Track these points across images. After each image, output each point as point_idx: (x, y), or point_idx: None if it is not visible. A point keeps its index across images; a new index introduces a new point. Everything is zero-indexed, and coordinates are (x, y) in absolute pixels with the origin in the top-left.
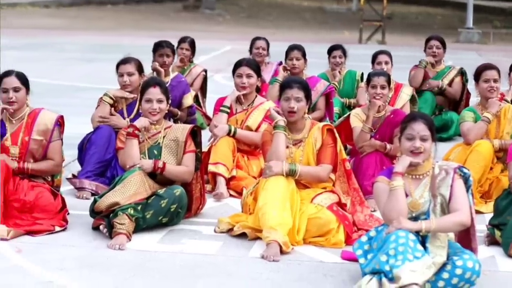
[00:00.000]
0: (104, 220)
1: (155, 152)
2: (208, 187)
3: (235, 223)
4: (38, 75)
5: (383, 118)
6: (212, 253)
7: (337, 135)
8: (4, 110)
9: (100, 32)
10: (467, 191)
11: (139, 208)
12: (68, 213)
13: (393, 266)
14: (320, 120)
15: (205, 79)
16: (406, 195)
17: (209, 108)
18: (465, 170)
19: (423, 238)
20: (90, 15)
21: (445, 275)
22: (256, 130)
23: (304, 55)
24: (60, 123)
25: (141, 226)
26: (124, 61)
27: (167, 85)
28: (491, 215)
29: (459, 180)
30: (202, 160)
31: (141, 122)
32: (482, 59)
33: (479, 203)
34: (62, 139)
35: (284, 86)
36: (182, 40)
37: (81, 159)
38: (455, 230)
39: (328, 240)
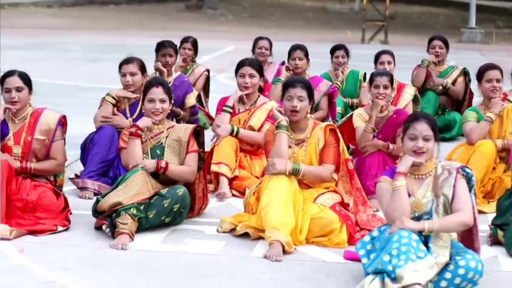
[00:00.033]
0: (106, 220)
1: (158, 152)
2: (211, 187)
3: (238, 223)
4: (41, 75)
5: (386, 118)
6: (214, 253)
7: (339, 135)
8: (7, 110)
9: (103, 32)
10: (470, 191)
11: (141, 208)
12: (71, 213)
13: (395, 266)
14: (323, 120)
15: (207, 79)
16: (409, 195)
17: (211, 108)
18: (467, 170)
19: (425, 238)
20: (93, 15)
21: (448, 275)
22: (259, 130)
23: (306, 55)
24: (62, 122)
25: (144, 226)
26: (127, 61)
27: (170, 85)
28: (494, 215)
29: (462, 180)
30: (204, 160)
31: (144, 122)
32: (485, 59)
33: (481, 203)
34: (64, 139)
35: (287, 85)
36: (184, 40)
37: (83, 159)
38: (458, 230)
39: (330, 240)
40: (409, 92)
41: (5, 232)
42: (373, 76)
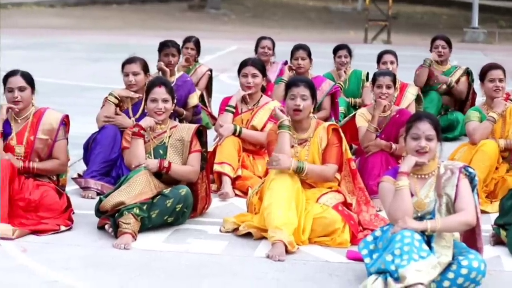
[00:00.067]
0: (109, 220)
1: (161, 151)
2: (214, 186)
3: (241, 223)
4: (44, 74)
5: (388, 118)
6: (217, 252)
7: (342, 134)
8: (10, 110)
9: (105, 32)
10: (473, 190)
11: (144, 207)
12: (74, 213)
13: (398, 266)
14: (326, 119)
15: (210, 79)
16: (412, 195)
17: (214, 108)
18: (470, 170)
19: (428, 238)
20: (96, 14)
21: (451, 275)
22: (262, 129)
23: (309, 54)
24: (65, 122)
25: (147, 225)
26: (130, 61)
27: (172, 84)
28: (497, 215)
29: (465, 179)
30: (207, 159)
31: (146, 122)
32: (488, 58)
33: (484, 203)
34: (67, 139)
35: (290, 85)
36: (187, 40)
37: (86, 158)
38: (461, 230)
39: (333, 240)
40: (412, 92)
41: (7, 232)
42: (375, 76)
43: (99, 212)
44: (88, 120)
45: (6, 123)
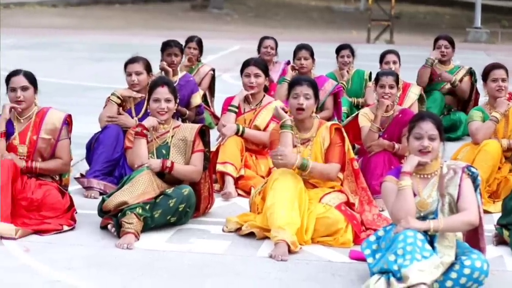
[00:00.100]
0: (112, 220)
1: (164, 151)
2: (217, 186)
3: (243, 223)
4: (46, 74)
5: (391, 118)
6: (220, 252)
7: (345, 134)
8: (12, 109)
9: (108, 32)
10: (475, 190)
11: (147, 207)
12: (76, 212)
13: (401, 266)
14: (328, 119)
15: (213, 78)
16: (414, 195)
17: (217, 108)
18: (473, 170)
19: (431, 238)
20: (98, 14)
21: (453, 274)
22: (264, 129)
23: (312, 54)
24: (68, 122)
25: (149, 225)
26: (132, 61)
27: (175, 84)
28: (499, 215)
29: (467, 179)
30: (210, 159)
31: (149, 122)
32: (490, 58)
33: (487, 203)
34: (70, 138)
35: (293, 84)
36: (189, 40)
37: (89, 158)
38: (463, 230)
39: (336, 240)
40: (415, 91)
41: (10, 232)
42: (378, 76)
43: (102, 212)
44: (90, 120)
45: (9, 122)
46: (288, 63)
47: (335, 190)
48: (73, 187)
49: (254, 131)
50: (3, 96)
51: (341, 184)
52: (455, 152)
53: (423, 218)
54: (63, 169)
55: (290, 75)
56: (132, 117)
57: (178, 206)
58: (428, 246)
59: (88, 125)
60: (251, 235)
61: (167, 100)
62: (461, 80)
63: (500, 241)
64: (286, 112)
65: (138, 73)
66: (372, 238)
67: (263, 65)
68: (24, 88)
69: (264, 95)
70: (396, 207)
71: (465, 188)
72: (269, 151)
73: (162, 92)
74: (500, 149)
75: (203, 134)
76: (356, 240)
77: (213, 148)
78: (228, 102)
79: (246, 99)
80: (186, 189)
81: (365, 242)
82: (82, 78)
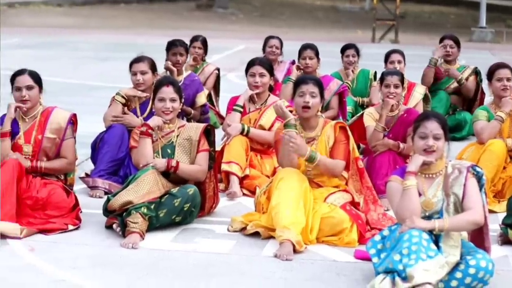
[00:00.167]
0: (117, 219)
1: (169, 151)
2: (221, 186)
3: (248, 222)
4: (52, 73)
5: (396, 117)
6: (225, 252)
7: (349, 132)
8: (17, 109)
9: (113, 31)
10: (480, 190)
11: (152, 207)
12: (81, 212)
13: (406, 265)
14: (333, 119)
15: (218, 78)
16: (419, 194)
17: (222, 107)
18: (478, 169)
19: (436, 237)
20: (104, 13)
21: (459, 274)
22: (269, 129)
23: (317, 54)
24: (73, 121)
25: (154, 225)
26: (138, 60)
27: (180, 84)
28: (504, 214)
29: (472, 179)
30: (215, 159)
31: (154, 121)
32: (495, 58)
33: (492, 203)
34: (75, 138)
35: (299, 82)
36: (194, 39)
37: (94, 158)
38: (469, 229)
39: (341, 239)
40: (419, 91)
41: (15, 231)
42: (383, 75)
43: (107, 211)
44: (95, 119)
45: (14, 122)
46: (293, 62)
47: (340, 189)
48: (78, 187)
49: (259, 130)
50: (3, 95)
51: (346, 184)
52: (460, 152)
53: (428, 217)
54: (68, 168)
55: (295, 74)
56: (137, 117)
57: (183, 206)
58: (433, 246)
59: (93, 124)
60: (256, 234)
61: (172, 100)
62: (466, 80)
63: (505, 240)
64: (291, 112)
65: (143, 73)
66: (377, 237)
67: (268, 64)
68: (29, 88)
69: (269, 95)
70: (401, 207)
71: (470, 187)
72: (274, 151)
73: (167, 91)
74: (505, 149)
75: (208, 133)
76: (361, 239)
77: (218, 147)
78: (233, 101)
79: (251, 99)
80: (191, 189)
81: (370, 241)
82: (87, 78)
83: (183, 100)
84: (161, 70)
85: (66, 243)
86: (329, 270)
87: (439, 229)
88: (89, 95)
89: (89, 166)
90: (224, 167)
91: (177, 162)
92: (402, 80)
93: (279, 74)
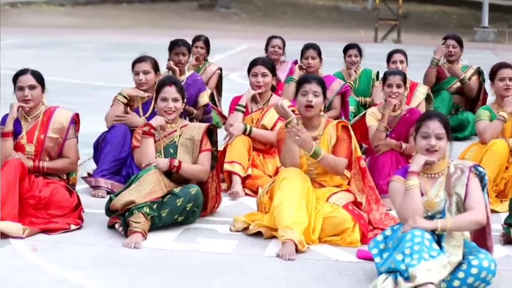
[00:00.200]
0: (119, 219)
1: (171, 150)
2: (224, 185)
3: (251, 222)
4: (54, 73)
5: (398, 117)
6: (227, 251)
7: (352, 131)
8: (20, 108)
9: (116, 31)
10: (483, 190)
11: (154, 206)
12: (84, 211)
13: (408, 265)
14: (336, 119)
15: (220, 78)
16: (422, 194)
17: (224, 107)
18: (480, 169)
19: (438, 237)
20: (106, 13)
21: (461, 274)
22: (272, 129)
23: (319, 54)
24: (75, 121)
25: (157, 224)
26: (140, 60)
27: (182, 83)
28: (507, 214)
29: (475, 178)
30: (217, 159)
31: (157, 121)
32: (498, 58)
33: (494, 202)
34: (77, 137)
35: (302, 81)
36: (196, 39)
37: (96, 157)
38: (471, 229)
39: (343, 239)
40: (422, 91)
41: (18, 231)
42: (386, 75)
43: (109, 211)
44: (98, 119)
45: (17, 121)
46: (295, 62)
47: (343, 189)
48: (81, 186)
49: (261, 130)
50: (4, 95)
51: (348, 183)
52: (463, 152)
53: (431, 217)
54: (71, 168)
55: (297, 74)
56: (140, 116)
57: (185, 205)
58: (435, 246)
59: (95, 124)
60: (258, 234)
61: (175, 100)
62: (469, 79)
63: (507, 240)
64: (293, 112)
65: (145, 72)
66: (380, 237)
67: (271, 64)
68: (31, 87)
69: (272, 95)
70: (404, 207)
71: (472, 187)
72: (276, 150)
73: (170, 91)
74: (507, 149)
75: (211, 133)
76: (364, 239)
77: (220, 147)
78: (235, 101)
79: (253, 99)
80: (194, 189)
81: (372, 241)
82: (89, 77)
83: (185, 100)
84: (163, 69)
85: (68, 242)
86: (331, 270)
87: (441, 229)
88: (92, 95)
89: (91, 166)
90: (226, 167)
91: (180, 162)
92: (404, 80)
93: (282, 74)
